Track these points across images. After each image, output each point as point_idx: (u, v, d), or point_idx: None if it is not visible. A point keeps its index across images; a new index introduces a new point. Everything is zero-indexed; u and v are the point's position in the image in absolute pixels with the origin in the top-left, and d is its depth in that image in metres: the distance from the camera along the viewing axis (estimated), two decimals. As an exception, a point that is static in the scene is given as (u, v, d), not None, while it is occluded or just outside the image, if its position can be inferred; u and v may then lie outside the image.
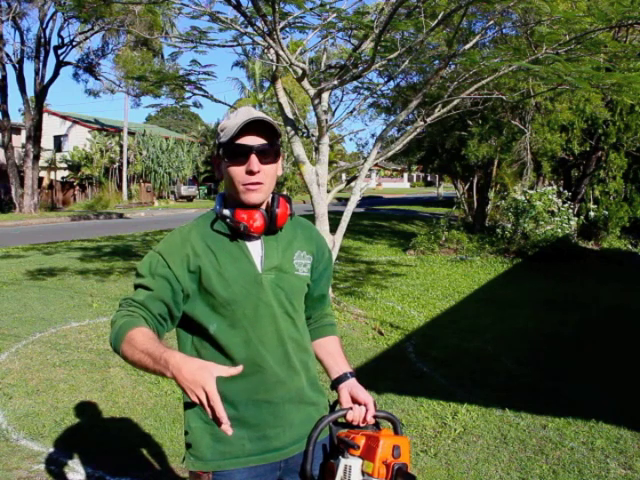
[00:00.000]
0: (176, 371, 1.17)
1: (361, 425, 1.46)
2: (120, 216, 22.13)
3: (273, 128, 1.41)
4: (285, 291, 1.47)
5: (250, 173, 1.39)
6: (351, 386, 1.51)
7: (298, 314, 1.52)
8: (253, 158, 1.39)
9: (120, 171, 29.23)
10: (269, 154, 1.42)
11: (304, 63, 6.01)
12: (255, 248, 1.47)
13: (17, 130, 26.35)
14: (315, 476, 1.44)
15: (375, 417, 1.47)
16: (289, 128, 6.51)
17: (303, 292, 1.55)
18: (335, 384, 1.54)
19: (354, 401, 1.49)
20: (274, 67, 6.46)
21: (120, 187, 29.03)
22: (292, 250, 1.51)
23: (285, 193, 1.55)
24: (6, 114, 20.55)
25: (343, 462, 1.37)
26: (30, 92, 21.03)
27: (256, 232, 1.44)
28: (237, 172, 1.40)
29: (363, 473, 1.35)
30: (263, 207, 1.45)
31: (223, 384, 1.40)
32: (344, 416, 1.46)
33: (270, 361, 1.44)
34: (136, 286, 1.43)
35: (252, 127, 1.38)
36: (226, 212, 1.43)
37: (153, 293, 1.40)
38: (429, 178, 55.58)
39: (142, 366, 1.26)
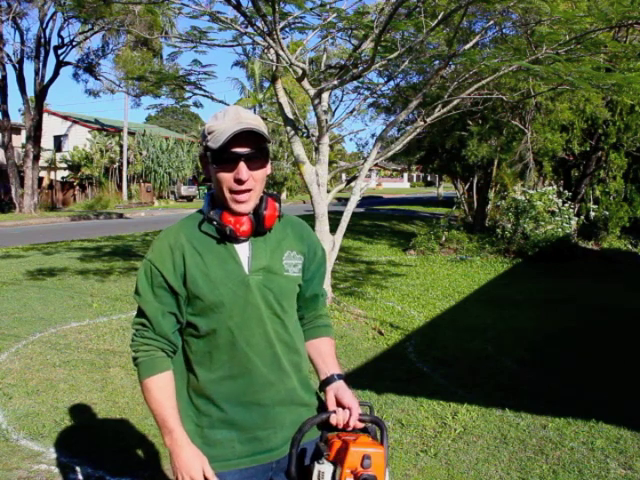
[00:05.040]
0: (175, 450, 1.39)
1: (347, 429, 1.44)
2: (120, 216, 22.13)
3: (262, 135, 1.40)
4: (273, 292, 1.46)
5: (239, 182, 1.38)
6: (337, 388, 1.49)
7: (288, 315, 1.50)
8: (242, 166, 1.37)
9: (120, 171, 29.23)
10: (258, 160, 1.40)
11: (304, 63, 6.01)
12: (243, 249, 1.45)
13: (17, 130, 26.35)
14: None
15: (362, 421, 1.45)
16: (289, 128, 6.51)
17: (293, 293, 1.53)
18: (323, 386, 1.53)
19: (339, 404, 1.47)
20: (274, 67, 6.46)
21: (120, 187, 29.02)
22: (281, 250, 1.49)
23: (275, 192, 1.53)
24: (6, 114, 20.55)
25: (317, 467, 1.36)
26: (30, 92, 21.07)
27: (243, 235, 1.43)
28: (226, 178, 1.39)
29: None
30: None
31: (210, 387, 1.43)
32: (328, 419, 1.44)
33: (258, 363, 1.43)
34: (140, 307, 1.45)
35: (242, 134, 1.36)
36: (213, 215, 1.43)
37: (158, 311, 1.42)
38: (429, 178, 55.55)
39: (152, 414, 1.44)
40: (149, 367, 1.42)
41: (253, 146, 1.38)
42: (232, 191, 1.40)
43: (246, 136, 1.37)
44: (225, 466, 1.42)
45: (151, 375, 1.41)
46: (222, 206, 1.44)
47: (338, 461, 1.34)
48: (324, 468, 1.35)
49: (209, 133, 1.40)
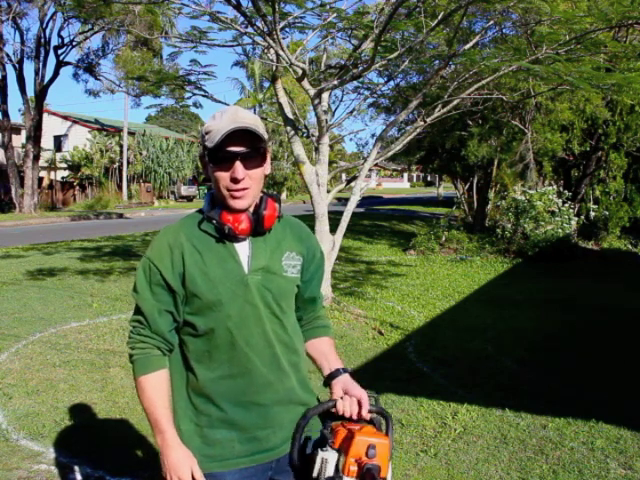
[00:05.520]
0: (165, 451, 1.37)
1: (355, 419, 1.43)
2: (120, 216, 22.12)
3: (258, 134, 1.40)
4: (272, 292, 1.46)
5: (234, 181, 1.38)
6: (344, 382, 1.48)
7: (286, 315, 1.50)
8: (238, 165, 1.38)
9: (120, 171, 29.22)
10: (254, 159, 1.41)
11: (304, 63, 6.01)
12: (242, 249, 1.46)
13: (17, 130, 26.35)
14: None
15: (369, 412, 1.44)
16: (289, 128, 6.51)
17: (292, 293, 1.53)
18: (328, 380, 1.52)
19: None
20: (274, 67, 6.46)
21: (120, 187, 29.02)
22: (281, 251, 1.50)
23: (275, 193, 1.54)
24: (6, 114, 20.54)
25: (320, 455, 1.35)
26: (30, 92, 21.06)
27: (241, 234, 1.43)
28: (222, 177, 1.40)
29: (338, 469, 1.32)
30: (251, 209, 1.45)
31: (210, 386, 1.43)
32: (334, 407, 1.43)
33: (257, 363, 1.44)
34: (137, 304, 1.46)
35: (237, 133, 1.36)
36: (212, 213, 1.44)
37: (155, 309, 1.43)
38: (429, 178, 55.54)
39: (145, 412, 1.44)
40: (144, 365, 1.43)
41: (249, 145, 1.39)
42: (229, 189, 1.41)
43: (242, 135, 1.37)
44: (225, 466, 1.43)
45: (145, 373, 1.42)
46: (222, 205, 1.44)
47: (343, 449, 1.33)
48: (328, 455, 1.34)
49: (206, 133, 1.41)
